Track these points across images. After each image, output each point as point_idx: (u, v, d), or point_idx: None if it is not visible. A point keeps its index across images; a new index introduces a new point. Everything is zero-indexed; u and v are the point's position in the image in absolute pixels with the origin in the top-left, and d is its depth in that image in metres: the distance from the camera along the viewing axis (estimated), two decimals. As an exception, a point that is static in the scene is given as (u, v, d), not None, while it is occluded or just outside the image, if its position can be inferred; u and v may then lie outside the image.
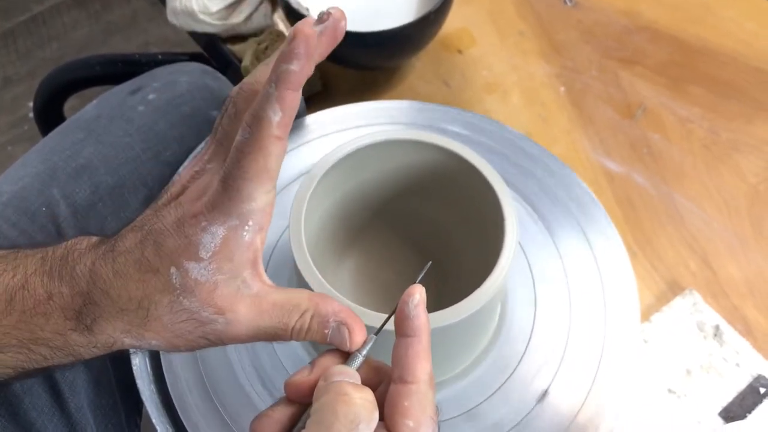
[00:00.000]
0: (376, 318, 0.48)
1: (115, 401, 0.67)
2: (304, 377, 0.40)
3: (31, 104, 1.69)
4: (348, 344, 0.41)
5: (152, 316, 0.41)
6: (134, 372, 0.58)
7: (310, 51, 0.39)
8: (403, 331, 0.40)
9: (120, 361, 0.66)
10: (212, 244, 0.40)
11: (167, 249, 0.40)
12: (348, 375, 0.39)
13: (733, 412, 0.65)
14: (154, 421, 0.56)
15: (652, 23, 0.94)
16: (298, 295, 0.42)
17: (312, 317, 0.41)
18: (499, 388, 0.59)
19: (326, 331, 0.41)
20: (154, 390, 0.59)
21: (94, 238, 0.44)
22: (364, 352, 0.41)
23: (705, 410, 0.65)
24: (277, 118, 0.39)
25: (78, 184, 0.67)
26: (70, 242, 0.44)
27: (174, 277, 0.40)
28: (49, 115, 1.08)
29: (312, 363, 0.41)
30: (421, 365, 0.39)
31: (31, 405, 0.59)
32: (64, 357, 0.43)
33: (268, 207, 0.41)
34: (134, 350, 0.59)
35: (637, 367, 0.61)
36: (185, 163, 0.68)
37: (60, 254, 0.43)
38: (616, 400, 0.58)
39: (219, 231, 0.40)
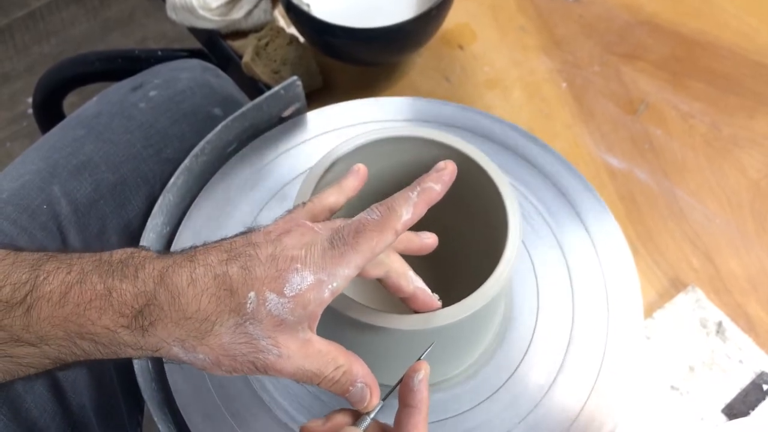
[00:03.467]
0: (386, 319, 0.50)
1: (116, 400, 0.67)
2: (318, 427, 0.46)
3: (29, 100, 1.69)
4: (366, 403, 0.46)
5: (214, 332, 0.42)
6: (136, 371, 0.58)
7: (450, 182, 0.48)
8: (406, 401, 0.45)
9: (122, 360, 0.66)
10: (299, 287, 0.43)
11: (255, 275, 0.43)
12: None
13: (736, 408, 0.64)
14: (155, 419, 0.56)
15: (653, 17, 0.94)
16: (336, 350, 0.46)
17: (344, 373, 0.45)
18: (503, 385, 0.59)
19: (351, 388, 0.46)
20: (156, 389, 0.59)
21: (152, 250, 0.46)
22: (372, 415, 0.47)
23: (708, 407, 0.65)
24: (407, 217, 0.45)
25: (79, 181, 0.67)
26: (123, 250, 0.45)
27: (250, 301, 0.42)
28: (48, 112, 1.08)
29: (327, 417, 0.46)
30: None
31: (33, 404, 0.59)
32: (105, 353, 0.44)
33: (350, 278, 0.44)
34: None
35: (639, 364, 0.61)
36: (185, 162, 0.67)
37: (119, 258, 0.44)
38: (619, 397, 0.58)
39: (309, 278, 0.43)
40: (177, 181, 0.67)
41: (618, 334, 0.61)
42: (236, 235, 0.46)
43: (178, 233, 0.66)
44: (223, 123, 0.69)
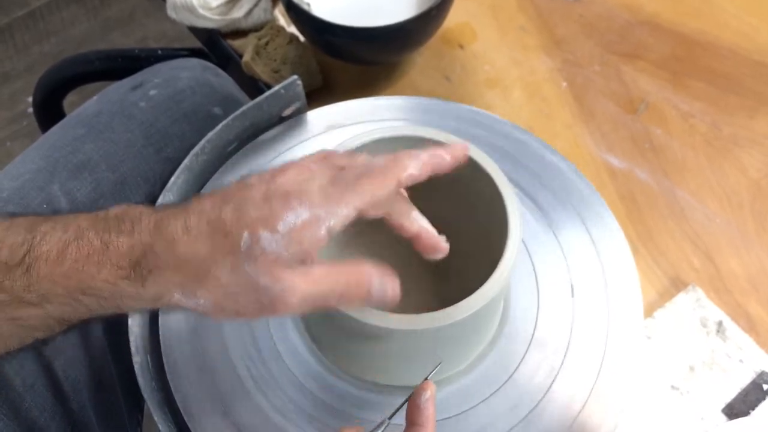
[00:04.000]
0: (386, 319, 0.50)
1: (116, 399, 0.67)
2: None
3: (29, 99, 1.69)
4: (390, 294, 0.46)
5: (212, 275, 0.42)
6: (136, 370, 0.58)
7: (460, 159, 0.49)
8: (413, 419, 0.47)
9: (121, 359, 0.66)
10: (293, 223, 0.42)
11: (248, 215, 0.42)
12: None
13: (737, 408, 0.64)
14: (156, 419, 0.56)
15: (654, 17, 0.94)
16: (339, 266, 0.45)
17: (356, 281, 0.45)
18: (503, 385, 0.59)
19: (371, 289, 0.45)
20: (156, 388, 0.59)
21: (147, 205, 0.45)
22: None
23: (708, 407, 0.65)
24: (412, 171, 0.45)
25: (79, 180, 0.67)
26: (119, 206, 0.45)
27: (243, 241, 0.42)
28: (48, 111, 1.08)
29: None
30: None
31: (33, 404, 0.59)
32: (108, 308, 0.44)
33: (349, 219, 0.44)
34: (137, 350, 0.59)
35: (640, 364, 0.61)
36: (185, 161, 0.67)
37: (114, 214, 0.44)
38: (619, 397, 0.58)
39: (304, 214, 0.42)
40: (177, 180, 0.67)
41: (618, 334, 0.61)
42: (239, 180, 0.46)
43: (178, 232, 0.66)
44: (224, 122, 0.69)
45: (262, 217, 0.42)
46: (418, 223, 0.50)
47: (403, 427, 0.48)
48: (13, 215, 0.46)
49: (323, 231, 0.43)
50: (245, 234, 0.42)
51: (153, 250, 0.42)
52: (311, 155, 0.48)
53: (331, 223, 0.43)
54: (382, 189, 0.44)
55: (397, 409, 0.48)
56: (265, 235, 0.42)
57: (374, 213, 0.47)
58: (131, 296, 0.43)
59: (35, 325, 0.44)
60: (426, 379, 0.48)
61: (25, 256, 0.42)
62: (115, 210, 0.44)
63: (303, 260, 0.43)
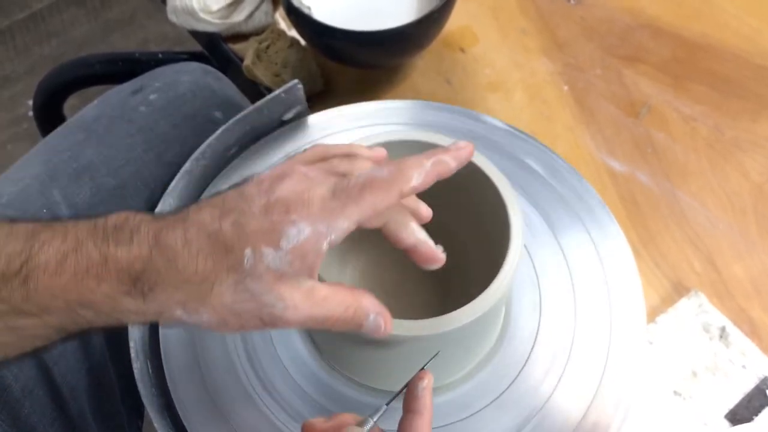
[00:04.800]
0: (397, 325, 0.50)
1: (116, 405, 0.66)
2: (320, 423, 0.46)
3: (30, 102, 1.68)
4: (382, 330, 0.46)
5: (215, 293, 0.42)
6: (136, 376, 0.58)
7: (465, 161, 0.48)
8: (410, 407, 0.46)
9: (121, 364, 0.66)
10: (296, 239, 0.41)
11: (249, 229, 0.41)
12: None
13: (740, 414, 0.64)
14: (155, 425, 0.56)
15: (655, 20, 0.93)
16: (342, 291, 0.45)
17: (354, 310, 0.45)
18: (504, 391, 0.58)
19: (364, 323, 0.46)
20: (156, 394, 0.59)
21: (147, 213, 0.44)
22: (376, 418, 0.47)
23: (711, 412, 0.64)
24: (416, 182, 0.44)
25: (79, 185, 0.67)
26: (118, 214, 0.44)
27: (247, 258, 0.41)
28: (48, 115, 1.08)
29: (331, 416, 0.47)
30: None
31: (32, 409, 0.59)
32: (108, 321, 0.43)
33: (349, 231, 0.43)
34: (137, 355, 0.59)
35: (642, 369, 0.60)
36: (186, 165, 0.67)
37: (113, 223, 0.43)
38: (621, 402, 0.58)
39: (305, 230, 0.42)
40: (178, 185, 0.67)
41: (620, 339, 0.61)
42: (230, 188, 0.45)
43: (178, 237, 0.66)
44: (224, 126, 0.69)
45: (264, 232, 0.41)
46: (415, 235, 0.49)
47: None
48: (13, 220, 0.45)
49: (324, 246, 0.43)
50: (248, 251, 0.41)
51: (153, 266, 0.41)
52: (309, 153, 0.48)
53: (332, 237, 0.43)
54: (384, 202, 0.43)
55: (395, 396, 0.48)
56: (268, 252, 0.41)
57: (374, 224, 0.47)
58: (132, 311, 0.42)
59: (34, 334, 0.44)
60: (423, 368, 0.48)
61: (22, 266, 0.42)
62: (113, 218, 0.43)
63: (307, 275, 0.43)
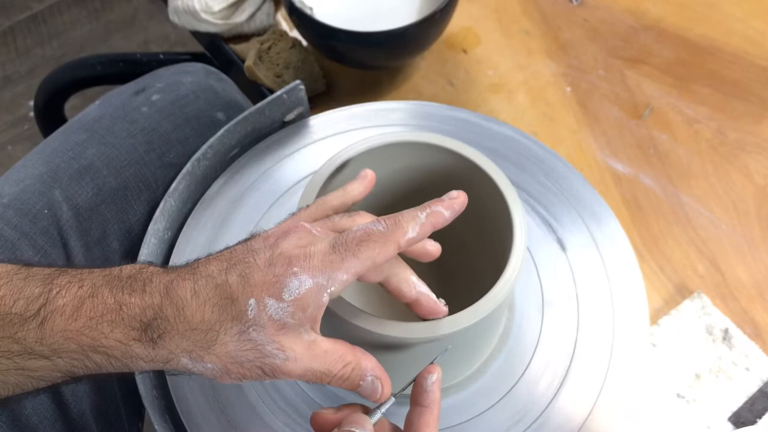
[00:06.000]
0: (391, 327, 0.50)
1: (117, 407, 0.66)
2: (330, 414, 0.47)
3: (31, 103, 1.69)
4: (378, 395, 0.47)
5: (219, 342, 0.43)
6: (136, 378, 0.57)
7: (459, 212, 0.49)
8: (418, 400, 0.47)
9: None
10: (297, 291, 0.43)
11: (252, 281, 0.43)
12: (364, 427, 0.44)
13: (743, 416, 0.64)
14: (156, 426, 0.56)
15: (658, 22, 0.93)
16: (343, 348, 0.46)
17: (353, 369, 0.46)
18: (506, 394, 0.58)
19: (361, 383, 0.47)
20: (157, 395, 0.59)
21: (159, 266, 0.47)
22: (383, 410, 0.47)
23: (714, 415, 0.64)
24: (412, 235, 0.46)
25: (80, 185, 0.66)
26: (132, 265, 0.46)
27: (250, 308, 0.43)
28: (50, 115, 1.08)
29: (339, 407, 0.47)
30: None
31: (33, 411, 0.59)
32: (117, 366, 0.45)
33: (349, 283, 0.45)
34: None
35: (645, 372, 0.60)
36: (187, 166, 0.67)
37: (128, 273, 0.45)
38: (624, 405, 0.58)
39: (307, 282, 0.43)
40: (179, 185, 0.67)
41: (623, 341, 0.60)
42: (237, 243, 0.47)
43: (179, 238, 0.66)
44: (226, 127, 0.69)
45: (268, 283, 0.43)
46: (416, 288, 0.50)
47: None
48: (28, 264, 0.47)
49: (325, 297, 0.44)
50: (251, 301, 0.43)
51: (163, 314, 0.43)
52: (312, 209, 0.52)
53: (332, 289, 0.44)
54: (382, 255, 0.45)
55: (403, 389, 0.49)
56: (271, 302, 0.43)
57: (373, 278, 0.48)
58: (141, 357, 0.44)
59: (42, 375, 0.45)
60: (432, 362, 0.48)
61: (40, 309, 0.43)
62: (128, 269, 0.45)
63: (309, 327, 0.45)
